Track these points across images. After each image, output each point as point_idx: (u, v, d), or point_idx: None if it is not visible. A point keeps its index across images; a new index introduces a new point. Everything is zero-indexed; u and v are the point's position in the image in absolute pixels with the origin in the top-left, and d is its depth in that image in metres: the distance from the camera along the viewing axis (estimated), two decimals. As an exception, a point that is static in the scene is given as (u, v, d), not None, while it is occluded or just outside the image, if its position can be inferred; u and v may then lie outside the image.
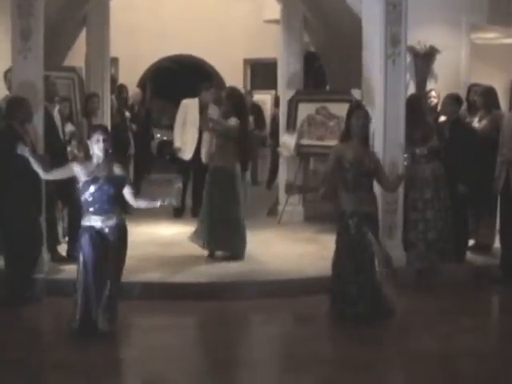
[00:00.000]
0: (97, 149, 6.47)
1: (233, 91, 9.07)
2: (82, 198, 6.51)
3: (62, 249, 8.36)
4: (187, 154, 10.72)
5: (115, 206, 6.58)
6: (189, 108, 10.69)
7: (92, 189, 6.44)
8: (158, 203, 6.66)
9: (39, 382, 5.78)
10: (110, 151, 6.53)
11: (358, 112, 7.07)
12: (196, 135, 10.54)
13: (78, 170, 6.50)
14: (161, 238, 9.52)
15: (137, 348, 6.45)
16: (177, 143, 10.88)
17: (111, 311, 6.44)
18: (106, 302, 6.38)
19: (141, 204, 6.81)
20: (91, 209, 6.48)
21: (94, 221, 6.48)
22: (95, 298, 6.36)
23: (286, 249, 9.14)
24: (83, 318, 6.36)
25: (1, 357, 6.05)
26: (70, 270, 7.86)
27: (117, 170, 6.57)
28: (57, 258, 8.19)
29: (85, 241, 6.44)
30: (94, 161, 6.51)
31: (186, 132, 10.69)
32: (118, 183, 6.56)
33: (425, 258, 8.28)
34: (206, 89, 10.76)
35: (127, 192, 6.65)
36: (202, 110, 10.51)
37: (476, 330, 6.88)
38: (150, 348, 6.36)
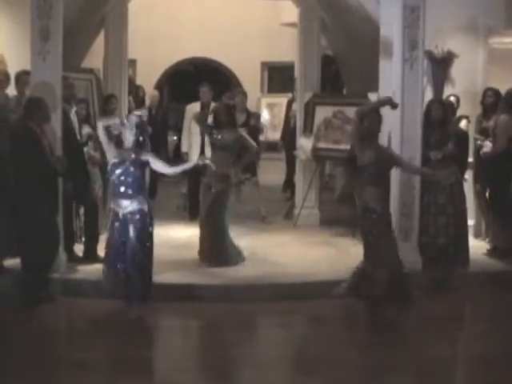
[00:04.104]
0: (129, 133, 6.78)
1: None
2: (110, 180, 6.89)
3: (79, 249, 8.39)
4: (193, 159, 10.74)
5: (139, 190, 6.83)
6: (191, 114, 10.73)
7: (118, 171, 6.77)
8: (192, 164, 7.39)
9: (53, 380, 5.80)
10: (142, 139, 6.83)
11: None
12: (199, 140, 10.56)
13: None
14: (175, 240, 9.53)
15: (150, 348, 6.47)
16: (184, 148, 10.99)
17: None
18: None
19: (176, 169, 7.26)
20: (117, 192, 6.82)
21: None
22: None
23: (302, 252, 9.13)
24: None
25: (15, 356, 6.07)
26: (86, 270, 7.90)
27: (145, 156, 6.87)
28: (73, 258, 8.22)
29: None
30: (125, 145, 6.78)
31: (192, 137, 10.72)
32: (142, 164, 6.86)
33: (437, 264, 8.26)
34: (202, 88, 10.76)
35: (157, 164, 6.97)
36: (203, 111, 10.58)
37: (489, 336, 6.86)
38: (163, 348, 6.38)
